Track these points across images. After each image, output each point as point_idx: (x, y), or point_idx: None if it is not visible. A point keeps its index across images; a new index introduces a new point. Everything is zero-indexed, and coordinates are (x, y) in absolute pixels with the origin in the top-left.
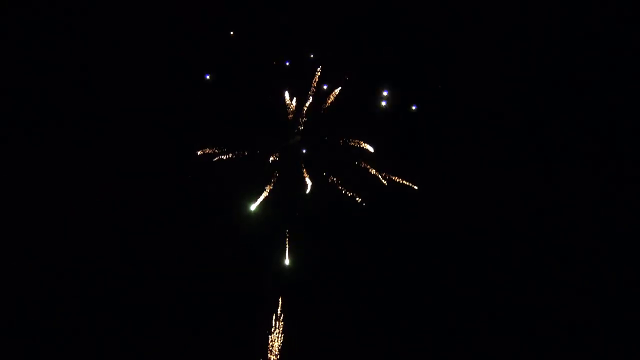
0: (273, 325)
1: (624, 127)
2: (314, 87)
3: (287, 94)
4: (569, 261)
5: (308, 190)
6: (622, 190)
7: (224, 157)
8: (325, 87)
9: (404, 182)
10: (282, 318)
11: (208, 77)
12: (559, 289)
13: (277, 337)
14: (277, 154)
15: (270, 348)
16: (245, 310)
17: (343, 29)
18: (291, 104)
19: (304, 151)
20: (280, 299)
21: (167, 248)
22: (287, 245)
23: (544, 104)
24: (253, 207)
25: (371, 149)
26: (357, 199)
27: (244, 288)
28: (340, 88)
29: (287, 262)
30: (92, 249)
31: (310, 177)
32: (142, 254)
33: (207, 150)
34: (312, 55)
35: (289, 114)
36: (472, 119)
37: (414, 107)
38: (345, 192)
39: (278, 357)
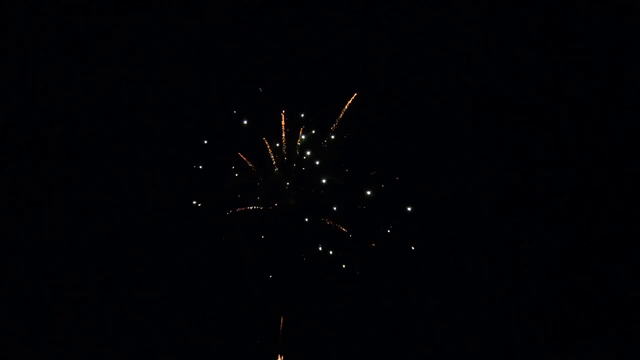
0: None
1: (624, 127)
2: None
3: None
4: (569, 261)
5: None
6: (622, 190)
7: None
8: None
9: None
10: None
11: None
12: (559, 288)
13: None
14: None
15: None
16: (246, 310)
17: (343, 28)
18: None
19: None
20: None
21: (167, 248)
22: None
23: (544, 104)
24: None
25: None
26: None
27: (243, 288)
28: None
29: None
30: (92, 248)
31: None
32: (142, 254)
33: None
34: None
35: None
36: (472, 118)
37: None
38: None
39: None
